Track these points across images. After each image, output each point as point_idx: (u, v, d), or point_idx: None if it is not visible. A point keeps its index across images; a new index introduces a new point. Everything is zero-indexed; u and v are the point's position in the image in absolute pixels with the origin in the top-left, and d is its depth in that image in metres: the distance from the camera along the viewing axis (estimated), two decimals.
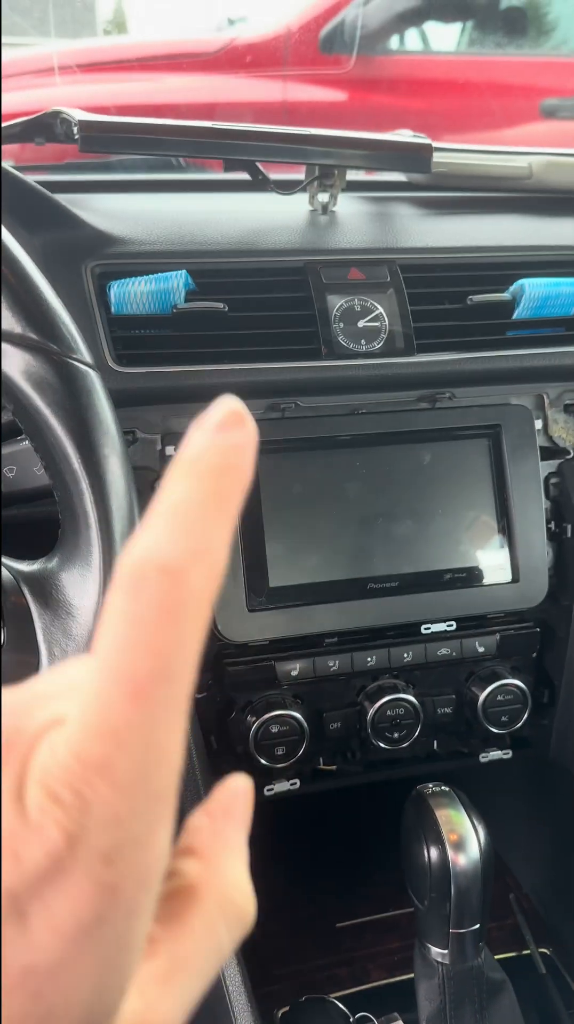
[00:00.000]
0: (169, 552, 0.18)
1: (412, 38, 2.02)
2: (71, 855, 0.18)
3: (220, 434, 0.20)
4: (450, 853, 0.66)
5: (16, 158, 1.09)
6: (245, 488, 0.20)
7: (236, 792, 0.25)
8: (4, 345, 0.48)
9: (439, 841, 0.67)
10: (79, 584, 0.47)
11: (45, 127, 0.86)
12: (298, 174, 0.89)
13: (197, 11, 1.99)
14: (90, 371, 0.50)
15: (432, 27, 2.01)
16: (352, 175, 0.91)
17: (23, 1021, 0.18)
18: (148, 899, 0.19)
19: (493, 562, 0.79)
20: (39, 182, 0.80)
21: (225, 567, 0.19)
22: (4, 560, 0.50)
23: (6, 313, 0.48)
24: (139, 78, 1.74)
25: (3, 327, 0.48)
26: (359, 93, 1.75)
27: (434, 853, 0.67)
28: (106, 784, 0.18)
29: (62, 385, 0.48)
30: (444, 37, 2.04)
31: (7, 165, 0.79)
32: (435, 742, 0.85)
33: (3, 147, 0.92)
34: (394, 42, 2.00)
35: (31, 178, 0.81)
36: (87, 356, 0.50)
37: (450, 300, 0.79)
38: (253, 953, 0.69)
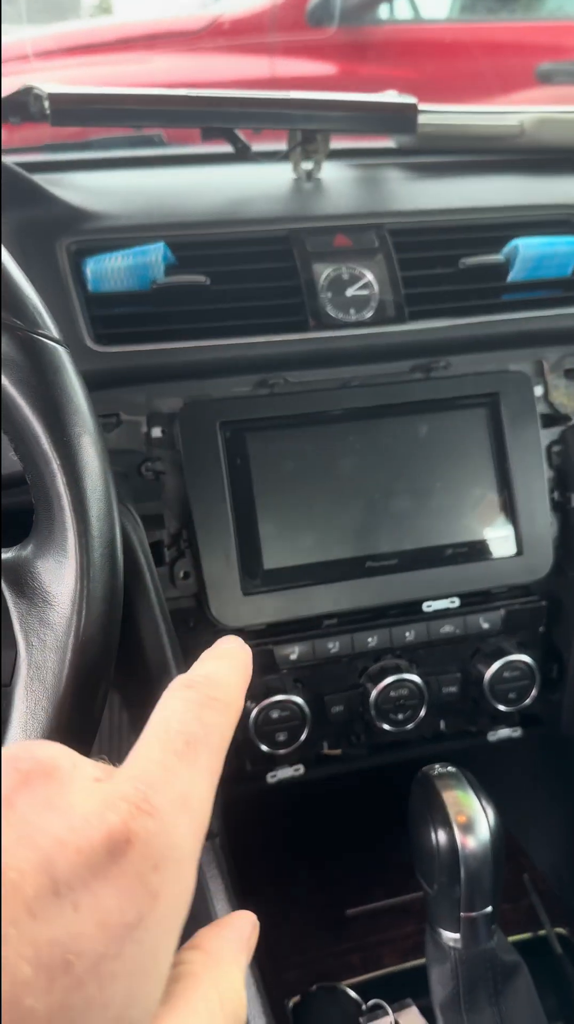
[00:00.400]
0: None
1: (402, 7, 1.98)
2: (127, 854, 0.21)
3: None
4: (458, 835, 0.64)
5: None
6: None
7: (245, 918, 0.28)
8: None
9: (447, 823, 0.65)
10: (55, 571, 0.45)
11: (19, 106, 0.83)
12: (280, 144, 0.86)
13: None
14: (58, 347, 0.48)
15: None
16: (337, 143, 0.88)
17: (62, 1011, 0.19)
18: (177, 923, 0.22)
19: (496, 535, 0.76)
20: (14, 163, 0.78)
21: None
22: None
23: None
24: (124, 60, 1.71)
25: None
26: (348, 64, 1.71)
27: (442, 836, 0.65)
28: (166, 795, 0.23)
29: (28, 362, 0.46)
30: (434, 5, 1.99)
31: None
32: (442, 722, 0.82)
33: None
34: (383, 12, 1.95)
35: (6, 159, 0.78)
36: (54, 332, 0.48)
37: (442, 264, 0.76)
38: (262, 942, 0.67)
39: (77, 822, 0.21)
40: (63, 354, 0.47)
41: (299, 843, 0.99)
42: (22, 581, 0.45)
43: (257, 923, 0.28)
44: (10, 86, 0.83)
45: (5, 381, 0.45)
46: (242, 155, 0.82)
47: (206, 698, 0.27)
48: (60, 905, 0.19)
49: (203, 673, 0.29)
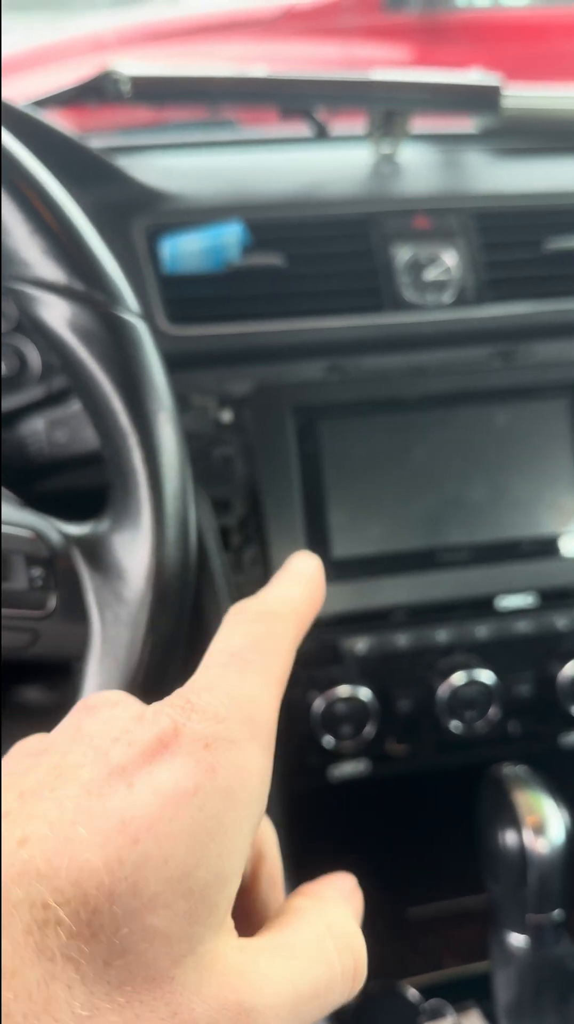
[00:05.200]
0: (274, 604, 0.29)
1: None
2: (177, 739, 0.23)
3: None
4: (529, 836, 0.62)
5: (74, 126, 1.08)
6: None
7: (345, 878, 0.28)
8: (49, 296, 0.46)
9: (516, 824, 0.63)
10: (129, 545, 0.45)
11: (96, 90, 0.83)
12: (358, 129, 0.85)
13: None
14: (138, 322, 0.47)
15: None
16: (417, 128, 0.86)
17: (121, 862, 0.20)
18: (244, 793, 0.23)
19: None
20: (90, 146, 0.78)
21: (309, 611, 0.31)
22: (54, 523, 0.48)
23: (50, 263, 0.46)
24: (197, 50, 1.71)
25: (48, 277, 0.46)
26: (426, 49, 1.68)
27: (511, 836, 0.63)
28: (211, 695, 0.24)
29: (108, 337, 0.46)
30: None
31: (59, 127, 0.77)
32: (513, 723, 0.80)
33: (57, 116, 0.90)
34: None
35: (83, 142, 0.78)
36: (135, 307, 0.48)
37: (524, 248, 0.73)
38: None
39: (131, 725, 0.23)
40: (143, 330, 0.47)
41: (361, 840, 0.97)
42: (97, 555, 0.45)
43: (358, 887, 0.29)
44: (87, 72, 0.83)
45: (86, 354, 0.45)
46: (321, 137, 0.81)
47: (254, 615, 0.28)
48: (113, 784, 0.22)
49: (258, 596, 0.30)
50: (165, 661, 0.44)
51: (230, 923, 0.22)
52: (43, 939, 0.19)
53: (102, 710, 0.25)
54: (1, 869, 0.19)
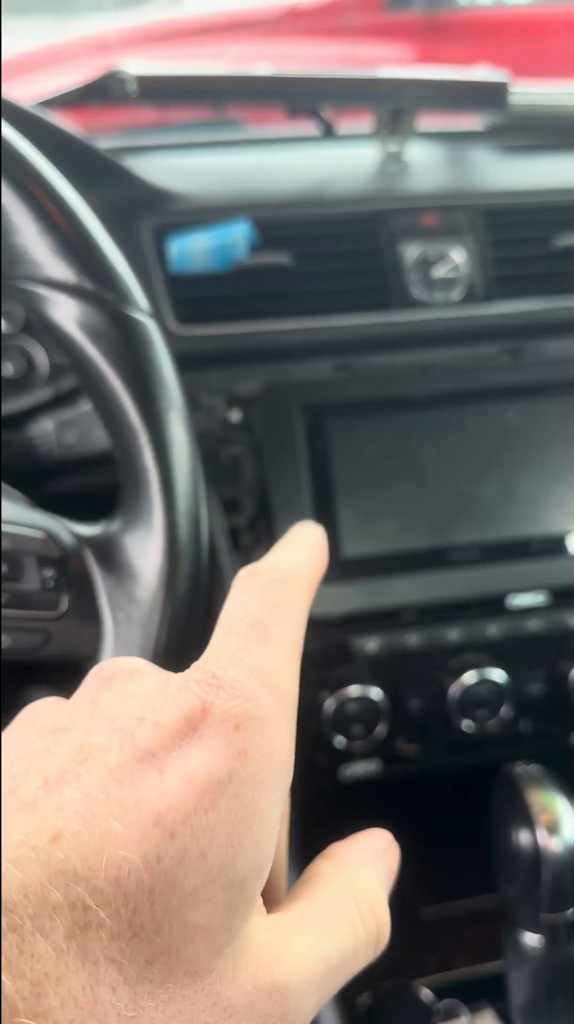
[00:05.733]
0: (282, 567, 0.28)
1: None
2: (205, 720, 0.22)
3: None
4: (542, 835, 0.62)
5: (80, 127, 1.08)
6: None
7: (381, 835, 0.28)
8: (59, 295, 0.45)
9: (530, 822, 0.62)
10: (141, 545, 0.45)
11: (102, 90, 0.83)
12: (365, 127, 0.85)
13: None
14: (148, 321, 0.47)
15: None
16: (424, 126, 0.86)
17: (159, 859, 0.20)
18: (275, 777, 0.22)
19: None
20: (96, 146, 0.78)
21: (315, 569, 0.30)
22: (66, 524, 0.47)
23: (60, 262, 0.46)
24: (200, 51, 1.71)
25: (58, 276, 0.46)
26: (428, 47, 1.68)
27: (525, 835, 0.62)
28: (236, 668, 0.23)
29: (119, 336, 0.45)
30: None
31: (67, 127, 0.77)
32: (525, 722, 0.80)
33: (63, 117, 0.90)
34: None
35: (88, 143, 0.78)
36: (145, 306, 0.47)
37: (533, 245, 0.73)
38: None
39: (155, 702, 0.23)
40: (153, 328, 0.47)
41: None
42: (109, 556, 0.45)
43: (394, 842, 0.28)
44: (92, 73, 0.83)
45: (96, 354, 0.45)
46: (327, 136, 0.81)
47: (267, 582, 0.27)
48: (144, 771, 0.21)
49: (266, 560, 0.29)
50: (178, 662, 0.44)
51: (260, 902, 0.22)
52: (85, 942, 0.18)
53: (119, 682, 0.24)
54: (37, 871, 0.19)
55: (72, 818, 0.20)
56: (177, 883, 0.20)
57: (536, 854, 0.62)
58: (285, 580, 0.27)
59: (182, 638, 0.44)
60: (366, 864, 0.26)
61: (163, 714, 0.22)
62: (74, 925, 0.18)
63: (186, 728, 0.22)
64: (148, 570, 0.44)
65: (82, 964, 0.18)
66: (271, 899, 0.25)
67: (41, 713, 0.25)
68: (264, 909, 0.22)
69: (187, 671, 0.24)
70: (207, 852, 0.20)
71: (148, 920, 0.19)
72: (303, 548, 0.30)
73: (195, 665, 0.24)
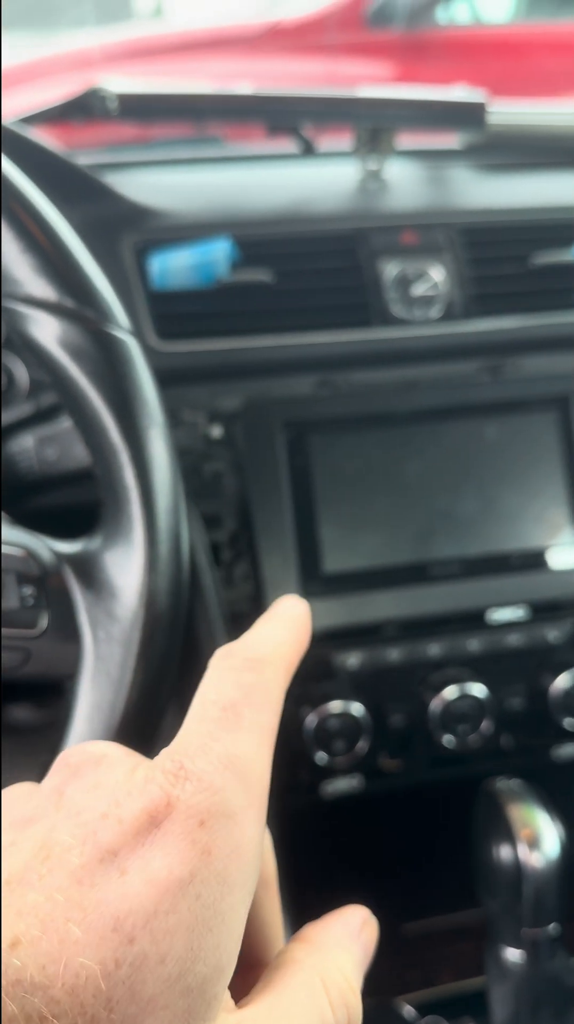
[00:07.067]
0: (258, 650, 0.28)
1: (462, 11, 1.96)
2: (170, 816, 0.21)
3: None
4: (524, 850, 0.62)
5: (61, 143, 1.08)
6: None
7: (355, 912, 0.27)
8: (39, 313, 0.45)
9: (511, 837, 0.63)
10: (122, 563, 0.45)
11: (83, 107, 0.83)
12: (344, 144, 0.85)
13: None
14: (128, 339, 0.47)
15: None
16: (403, 144, 0.87)
17: (117, 965, 0.19)
18: (240, 875, 0.22)
19: (566, 543, 0.74)
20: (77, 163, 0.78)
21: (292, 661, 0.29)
22: (46, 541, 0.47)
23: (41, 280, 0.46)
24: (183, 67, 1.72)
25: (38, 294, 0.46)
26: (409, 66, 1.70)
27: (506, 850, 0.63)
28: (204, 759, 0.23)
29: (99, 354, 0.46)
30: (495, 7, 1.97)
31: (47, 144, 0.77)
32: (506, 737, 0.80)
33: (44, 133, 0.90)
34: (442, 16, 1.93)
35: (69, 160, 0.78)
36: (125, 324, 0.48)
37: (511, 263, 0.74)
38: None
39: (120, 795, 0.22)
40: (134, 346, 0.47)
41: (354, 857, 0.97)
42: (89, 574, 0.45)
43: (371, 918, 0.28)
44: (73, 89, 0.83)
45: (77, 372, 0.45)
46: (307, 153, 0.81)
47: (243, 662, 0.27)
48: (106, 871, 0.20)
49: (244, 639, 0.29)
50: (158, 680, 0.44)
51: (227, 997, 0.22)
52: None
53: (86, 772, 0.24)
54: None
55: (32, 923, 0.19)
56: (135, 991, 0.19)
57: (517, 869, 0.62)
58: (261, 661, 0.27)
59: (163, 656, 0.44)
60: (339, 947, 0.25)
61: (126, 809, 0.22)
62: None
63: (149, 824, 0.21)
64: (128, 588, 0.44)
65: None
66: (263, 963, 0.25)
67: (13, 801, 0.25)
68: (232, 1004, 0.22)
69: (156, 759, 0.24)
70: (166, 956, 0.20)
71: None
72: (283, 625, 0.30)
73: (164, 752, 0.24)
